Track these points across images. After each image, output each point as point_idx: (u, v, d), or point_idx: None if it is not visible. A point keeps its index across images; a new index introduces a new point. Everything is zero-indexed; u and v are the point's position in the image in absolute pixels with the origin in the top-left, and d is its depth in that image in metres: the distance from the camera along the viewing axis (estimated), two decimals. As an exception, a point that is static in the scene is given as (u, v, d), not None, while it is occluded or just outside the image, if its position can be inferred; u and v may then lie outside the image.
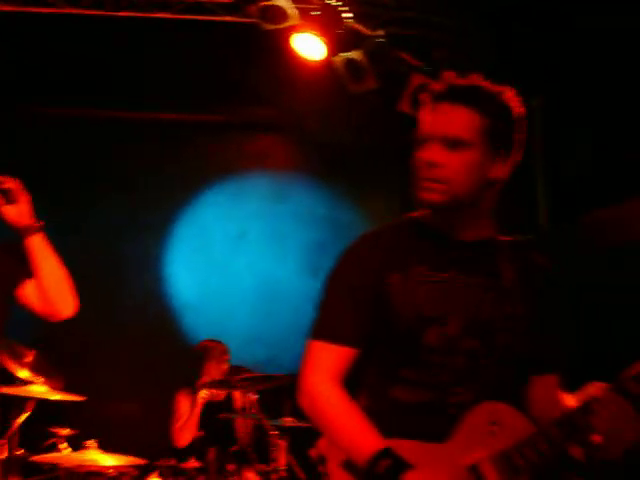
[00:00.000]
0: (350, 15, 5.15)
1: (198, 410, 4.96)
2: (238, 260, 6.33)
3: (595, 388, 1.79)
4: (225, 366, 5.22)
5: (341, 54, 5.27)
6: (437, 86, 1.92)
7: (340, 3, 5.11)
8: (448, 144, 1.87)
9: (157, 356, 5.84)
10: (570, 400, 1.89)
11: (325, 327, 1.93)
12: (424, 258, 1.92)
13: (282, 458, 4.50)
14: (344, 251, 1.98)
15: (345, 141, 6.25)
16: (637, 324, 4.05)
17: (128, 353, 5.82)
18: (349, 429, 1.85)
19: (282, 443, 4.49)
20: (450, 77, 1.93)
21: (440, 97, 1.91)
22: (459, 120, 1.88)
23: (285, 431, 4.52)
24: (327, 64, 5.35)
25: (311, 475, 4.47)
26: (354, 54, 5.26)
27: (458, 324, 1.88)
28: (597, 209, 4.99)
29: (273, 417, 4.56)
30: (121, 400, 5.76)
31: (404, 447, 1.79)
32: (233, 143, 6.53)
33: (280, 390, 4.63)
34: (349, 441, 1.85)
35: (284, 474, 4.48)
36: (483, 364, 1.88)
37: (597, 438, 1.73)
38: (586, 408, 1.76)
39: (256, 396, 4.46)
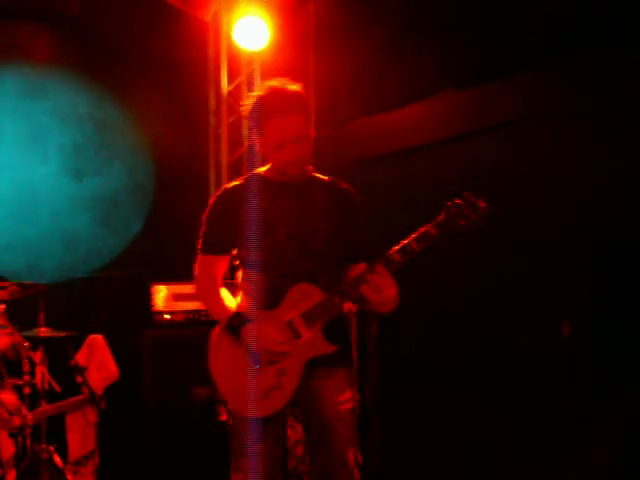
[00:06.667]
0: None
1: None
2: (-10, 162, 5.78)
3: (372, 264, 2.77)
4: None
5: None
6: (277, 99, 2.79)
7: None
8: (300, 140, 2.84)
9: None
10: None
11: (204, 244, 3.00)
12: (266, 195, 2.92)
13: (36, 370, 4.27)
14: (215, 197, 3.00)
15: (112, 33, 5.84)
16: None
17: None
18: (218, 304, 2.96)
19: (36, 355, 4.26)
20: (281, 88, 2.81)
21: (286, 109, 2.79)
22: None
23: (39, 342, 4.29)
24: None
25: (68, 387, 4.29)
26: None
27: (285, 234, 2.89)
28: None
29: (26, 328, 4.31)
30: None
31: (250, 313, 2.89)
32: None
33: (34, 300, 4.37)
34: (218, 311, 2.95)
35: (39, 387, 4.27)
36: (300, 260, 2.89)
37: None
38: (362, 275, 2.76)
39: (3, 306, 4.15)
